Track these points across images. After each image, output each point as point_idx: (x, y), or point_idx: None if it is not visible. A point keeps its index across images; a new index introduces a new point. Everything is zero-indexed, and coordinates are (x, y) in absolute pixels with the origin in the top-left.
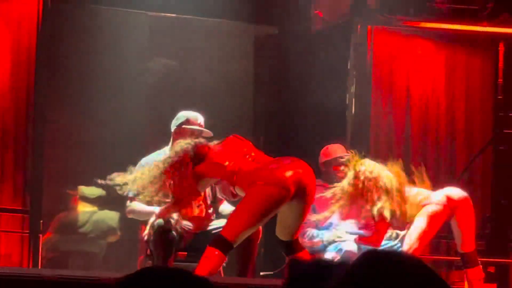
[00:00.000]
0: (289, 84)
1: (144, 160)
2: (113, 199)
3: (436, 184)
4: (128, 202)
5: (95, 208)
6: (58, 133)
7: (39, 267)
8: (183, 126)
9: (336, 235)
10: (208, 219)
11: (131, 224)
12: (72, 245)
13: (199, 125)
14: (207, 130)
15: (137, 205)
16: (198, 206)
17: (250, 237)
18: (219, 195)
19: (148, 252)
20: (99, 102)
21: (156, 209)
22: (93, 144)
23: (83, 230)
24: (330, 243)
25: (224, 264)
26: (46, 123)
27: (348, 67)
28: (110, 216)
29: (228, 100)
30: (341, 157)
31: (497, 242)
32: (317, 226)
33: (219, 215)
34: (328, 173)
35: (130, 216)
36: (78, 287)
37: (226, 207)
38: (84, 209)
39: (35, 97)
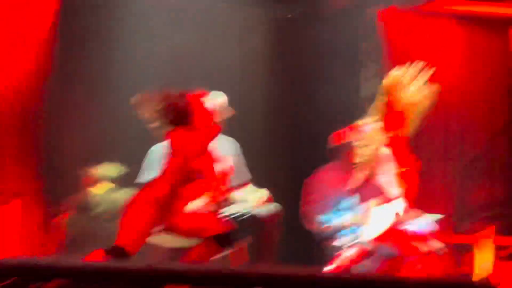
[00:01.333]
0: (302, 68)
1: (154, 146)
2: (130, 179)
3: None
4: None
5: (110, 188)
6: (75, 114)
7: (56, 250)
8: None
9: (346, 219)
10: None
11: None
12: (89, 224)
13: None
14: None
15: None
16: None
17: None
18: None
19: None
20: (115, 82)
21: None
22: (108, 125)
23: (99, 210)
24: (340, 228)
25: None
26: (62, 105)
27: (361, 50)
28: (125, 196)
29: (242, 82)
30: (353, 142)
31: None
32: (325, 211)
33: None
34: (339, 158)
35: None
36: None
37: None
38: (101, 189)
39: (52, 80)
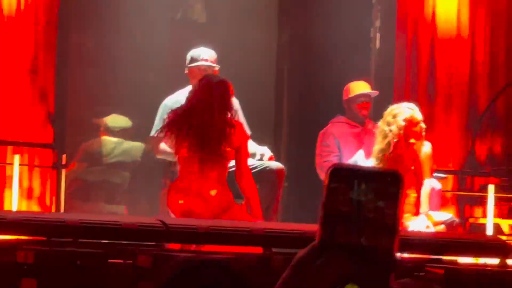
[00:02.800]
0: (313, 18)
1: (167, 100)
2: (137, 131)
3: (460, 122)
4: (157, 143)
5: (119, 139)
6: (82, 66)
7: (62, 201)
8: (189, 65)
9: None
10: None
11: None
12: (96, 175)
13: (203, 59)
14: (214, 64)
15: (165, 145)
16: None
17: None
18: None
19: None
20: (122, 38)
21: None
22: (118, 78)
23: (107, 160)
24: None
25: None
26: (69, 58)
27: (373, 1)
28: (135, 147)
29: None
30: (364, 95)
31: None
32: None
33: None
34: (351, 110)
35: (159, 156)
36: (99, 231)
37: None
38: (109, 139)
39: (58, 30)
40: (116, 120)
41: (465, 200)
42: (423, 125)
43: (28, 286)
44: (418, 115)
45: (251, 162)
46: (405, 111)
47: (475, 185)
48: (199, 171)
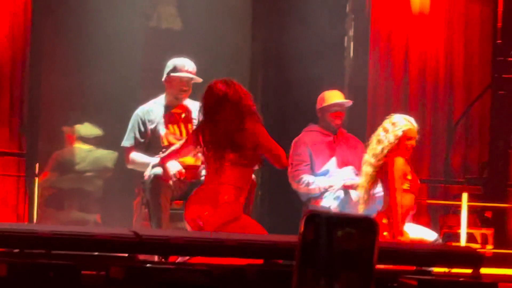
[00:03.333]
0: (287, 26)
1: (139, 109)
2: (109, 139)
3: (434, 131)
4: (128, 153)
5: (91, 147)
6: (55, 75)
7: (35, 210)
8: (171, 74)
9: (333, 182)
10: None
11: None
12: (69, 183)
13: (187, 71)
14: (196, 77)
15: (136, 156)
16: (193, 155)
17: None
18: None
19: (145, 201)
20: (97, 44)
21: (154, 160)
22: (89, 86)
23: (79, 168)
24: (327, 190)
25: None
26: (41, 66)
27: (347, 10)
28: (107, 156)
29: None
30: (338, 104)
31: (495, 187)
32: (313, 172)
33: None
34: (324, 119)
35: (130, 166)
36: (72, 242)
37: None
38: (81, 147)
39: (32, 39)
40: (87, 128)
41: (438, 209)
42: (413, 142)
43: None
44: (415, 131)
45: None
46: (405, 123)
47: (448, 194)
48: (217, 177)
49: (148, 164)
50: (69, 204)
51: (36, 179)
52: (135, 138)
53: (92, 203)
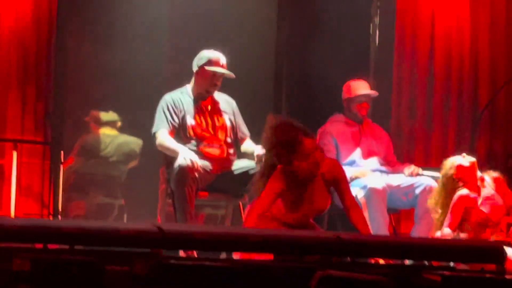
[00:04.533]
0: (311, 16)
1: (168, 96)
2: (134, 126)
3: (459, 120)
4: (158, 134)
5: (116, 133)
6: (80, 63)
7: (60, 199)
8: (205, 67)
9: (359, 172)
10: (228, 160)
11: (153, 152)
12: (94, 168)
13: (222, 66)
14: (230, 72)
15: (167, 140)
16: (219, 147)
17: None
18: (240, 136)
19: (169, 191)
20: (121, 33)
21: (182, 148)
22: (114, 75)
23: (104, 153)
24: (353, 179)
25: None
26: (67, 54)
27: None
28: (132, 141)
29: (250, 37)
30: (364, 95)
31: None
32: (339, 162)
33: (241, 156)
34: (350, 109)
35: (160, 148)
36: (96, 238)
37: (248, 145)
38: (105, 133)
39: (57, 27)
40: (111, 114)
41: None
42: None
43: None
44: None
45: (247, 163)
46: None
47: None
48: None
49: (175, 150)
50: (94, 189)
51: (61, 167)
52: (170, 122)
53: (117, 188)
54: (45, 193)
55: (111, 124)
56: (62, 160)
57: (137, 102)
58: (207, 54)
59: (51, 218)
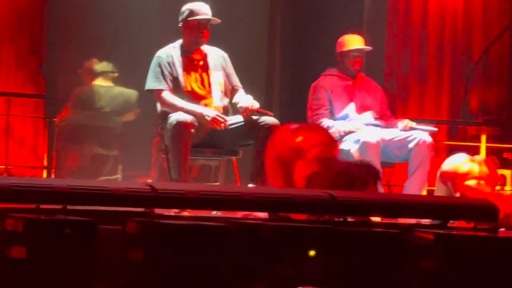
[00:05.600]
0: None
1: (161, 52)
2: (127, 76)
3: (453, 72)
4: (163, 96)
5: (111, 84)
6: (74, 14)
7: (54, 152)
8: (189, 18)
9: (353, 126)
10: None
11: (149, 104)
12: (88, 120)
13: (204, 14)
14: (214, 18)
15: (176, 100)
16: (215, 108)
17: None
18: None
19: (163, 146)
20: None
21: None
22: (109, 25)
23: (99, 105)
24: (347, 133)
25: None
26: (61, 7)
27: None
28: (128, 93)
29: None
30: (358, 50)
31: None
32: (333, 116)
33: (235, 110)
34: (343, 63)
35: (164, 108)
36: (89, 197)
37: (239, 97)
38: (100, 85)
39: None
40: (105, 65)
41: (457, 150)
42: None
43: (18, 254)
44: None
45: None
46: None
47: (467, 135)
48: None
49: (180, 108)
50: (89, 141)
51: (55, 120)
52: (166, 80)
53: (112, 139)
54: (39, 147)
55: (105, 75)
56: (56, 113)
57: (132, 53)
58: (188, 6)
59: (45, 171)
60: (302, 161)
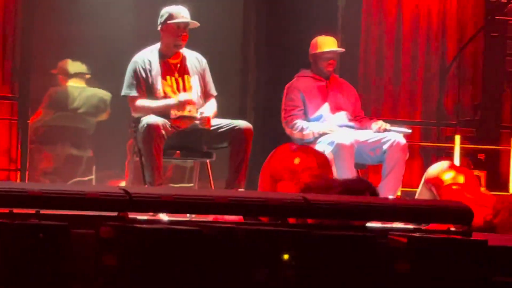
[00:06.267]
0: None
1: (137, 57)
2: (100, 77)
3: (427, 73)
4: (134, 101)
5: (84, 85)
6: (47, 17)
7: (27, 155)
8: (168, 22)
9: (327, 127)
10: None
11: (122, 105)
12: (62, 121)
13: (183, 17)
14: (193, 21)
15: (146, 102)
16: (189, 111)
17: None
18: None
19: (136, 149)
20: None
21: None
22: (83, 26)
23: (73, 106)
24: (321, 135)
25: None
26: (35, 9)
27: None
28: (101, 94)
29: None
30: (331, 52)
31: (487, 129)
32: (307, 117)
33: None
34: (316, 65)
35: (136, 115)
36: (62, 201)
37: (207, 105)
38: (73, 86)
39: None
40: (78, 65)
41: (431, 152)
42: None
43: None
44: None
45: (217, 121)
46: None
47: (441, 136)
48: None
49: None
50: (62, 142)
51: (29, 123)
52: (139, 86)
53: (86, 140)
54: (12, 150)
55: (79, 76)
56: (30, 115)
57: (106, 54)
58: (167, 9)
59: (18, 173)
60: (293, 183)
